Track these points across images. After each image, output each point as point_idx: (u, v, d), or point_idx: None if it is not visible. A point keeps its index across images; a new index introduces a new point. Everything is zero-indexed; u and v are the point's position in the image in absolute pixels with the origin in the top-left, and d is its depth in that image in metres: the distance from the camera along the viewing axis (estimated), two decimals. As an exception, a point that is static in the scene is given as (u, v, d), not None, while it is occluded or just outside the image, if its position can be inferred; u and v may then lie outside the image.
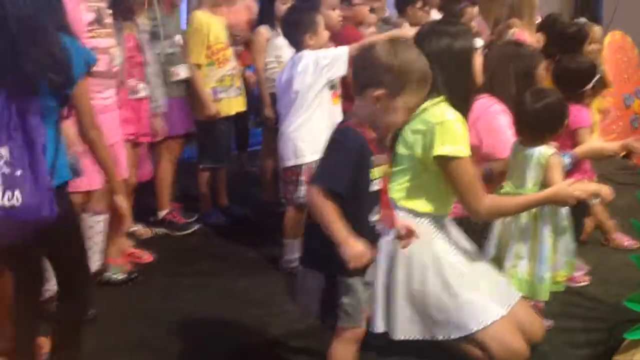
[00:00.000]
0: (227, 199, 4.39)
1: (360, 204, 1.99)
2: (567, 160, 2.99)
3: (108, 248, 3.42)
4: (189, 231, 4.01)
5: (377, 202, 2.04)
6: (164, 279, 3.33)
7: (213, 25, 3.98)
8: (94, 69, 2.71)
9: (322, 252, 2.00)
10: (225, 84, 4.07)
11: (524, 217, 2.57)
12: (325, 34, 3.42)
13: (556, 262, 2.57)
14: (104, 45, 2.91)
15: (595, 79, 3.32)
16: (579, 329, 2.77)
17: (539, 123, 2.60)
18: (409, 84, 1.91)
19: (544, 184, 2.55)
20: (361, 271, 1.99)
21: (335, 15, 3.95)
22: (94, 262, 3.08)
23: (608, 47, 5.57)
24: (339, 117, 3.29)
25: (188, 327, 2.79)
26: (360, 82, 1.99)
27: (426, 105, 2.39)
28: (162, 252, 3.61)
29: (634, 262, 2.46)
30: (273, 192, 4.30)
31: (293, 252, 3.45)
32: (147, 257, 3.58)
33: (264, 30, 4.22)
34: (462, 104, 2.46)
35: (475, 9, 5.04)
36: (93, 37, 2.86)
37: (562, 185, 2.47)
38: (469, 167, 2.38)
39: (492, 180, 2.84)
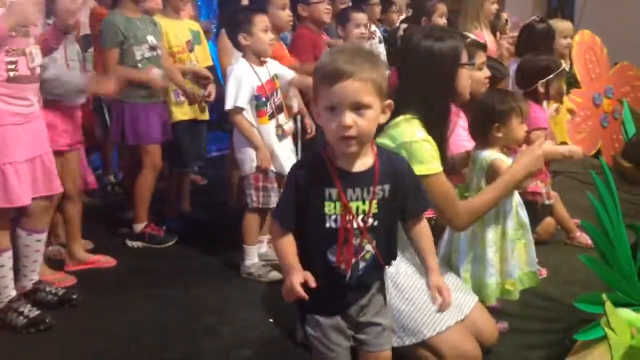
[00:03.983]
0: (190, 204, 4.34)
1: (311, 240, 1.79)
2: None
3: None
4: (170, 244, 3.84)
5: (335, 240, 1.77)
6: (117, 290, 3.23)
7: (169, 29, 3.95)
8: (14, 73, 2.61)
9: None
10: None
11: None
12: (263, 36, 3.25)
13: (506, 268, 2.51)
14: (20, 45, 2.66)
15: (554, 74, 3.32)
16: (536, 330, 2.74)
17: (475, 122, 2.62)
18: (316, 86, 1.75)
19: None
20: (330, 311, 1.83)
21: (285, 14, 3.86)
22: (29, 281, 2.97)
23: (577, 47, 5.57)
24: (272, 137, 3.24)
25: (140, 339, 2.72)
26: None
27: (398, 120, 2.30)
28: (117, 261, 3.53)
29: (585, 262, 2.43)
30: (239, 198, 4.22)
31: (252, 257, 3.39)
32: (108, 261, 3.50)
33: None
34: (437, 123, 2.33)
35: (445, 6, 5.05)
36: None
37: (522, 155, 2.43)
38: (442, 180, 2.30)
39: (455, 171, 2.79)
